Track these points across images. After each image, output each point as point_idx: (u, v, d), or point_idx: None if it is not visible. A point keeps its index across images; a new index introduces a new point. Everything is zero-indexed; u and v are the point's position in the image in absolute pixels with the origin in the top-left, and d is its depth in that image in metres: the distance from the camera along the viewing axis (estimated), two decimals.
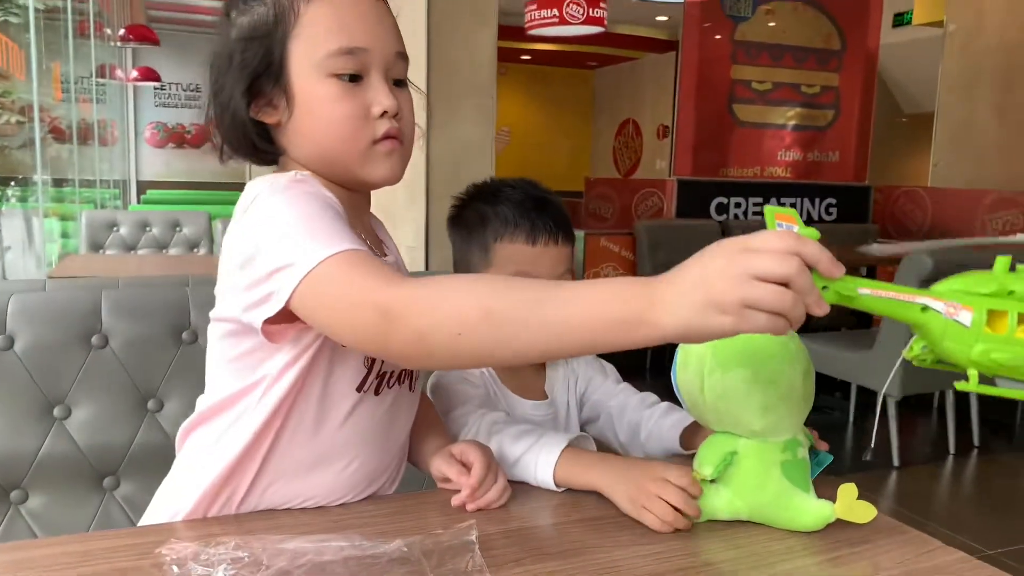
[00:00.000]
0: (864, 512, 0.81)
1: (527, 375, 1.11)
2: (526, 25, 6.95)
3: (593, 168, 11.58)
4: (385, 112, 0.80)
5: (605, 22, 6.90)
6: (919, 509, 2.78)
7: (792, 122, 5.61)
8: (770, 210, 0.60)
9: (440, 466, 0.88)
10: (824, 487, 0.83)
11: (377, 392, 0.85)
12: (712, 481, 0.82)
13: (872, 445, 3.53)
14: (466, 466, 0.85)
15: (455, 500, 0.83)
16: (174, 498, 0.86)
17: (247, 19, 0.81)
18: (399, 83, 0.84)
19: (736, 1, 5.26)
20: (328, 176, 0.83)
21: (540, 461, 0.88)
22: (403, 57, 0.83)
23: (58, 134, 5.97)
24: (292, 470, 0.82)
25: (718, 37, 5.35)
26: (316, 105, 0.79)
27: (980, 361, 0.56)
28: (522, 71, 11.05)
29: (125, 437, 1.12)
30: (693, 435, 0.97)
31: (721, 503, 0.81)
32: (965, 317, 0.56)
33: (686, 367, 0.82)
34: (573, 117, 11.92)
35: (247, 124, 0.81)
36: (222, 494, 0.82)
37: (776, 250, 0.55)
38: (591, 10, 6.78)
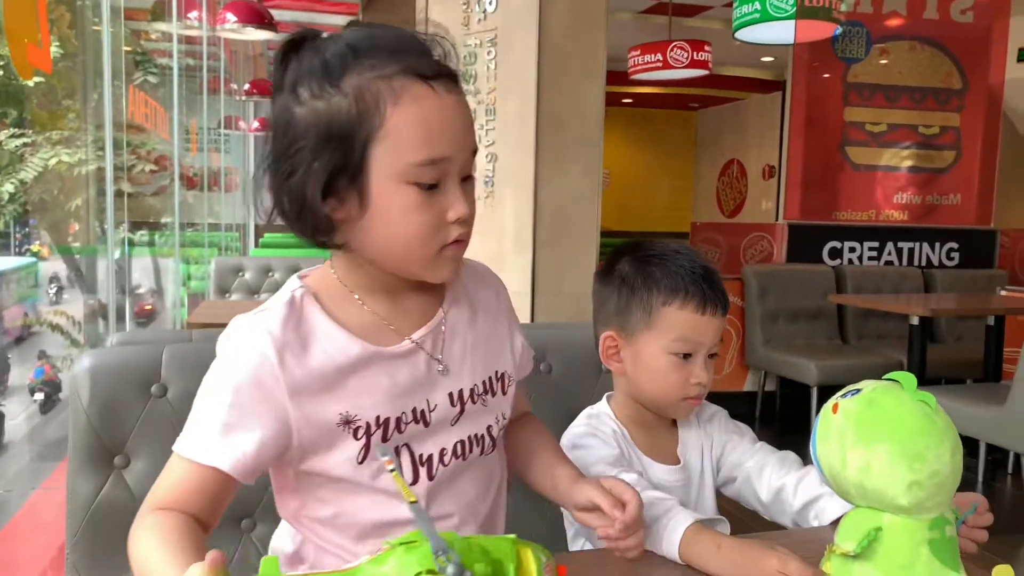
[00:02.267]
0: None
1: (661, 437, 1.11)
2: (629, 70, 7.00)
3: (696, 209, 11.41)
4: (459, 219, 0.79)
5: (710, 65, 6.87)
6: None
7: (908, 164, 5.40)
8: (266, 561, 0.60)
9: (591, 494, 0.84)
10: (974, 566, 0.79)
11: (431, 477, 0.84)
12: (855, 557, 0.79)
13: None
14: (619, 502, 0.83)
15: (602, 531, 0.82)
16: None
17: (324, 108, 0.75)
18: (468, 179, 0.81)
19: (849, 42, 5.14)
20: (390, 270, 0.82)
21: (666, 537, 0.87)
22: (474, 153, 0.82)
23: (189, 182, 6.39)
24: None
25: (828, 77, 5.24)
26: (392, 211, 0.77)
27: None
28: (623, 114, 11.09)
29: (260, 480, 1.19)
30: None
31: None
32: None
33: (826, 440, 0.80)
34: (675, 158, 11.85)
35: (318, 216, 0.78)
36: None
37: None
38: (695, 54, 6.77)
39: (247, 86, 7.24)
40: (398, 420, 0.82)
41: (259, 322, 0.79)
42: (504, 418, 0.92)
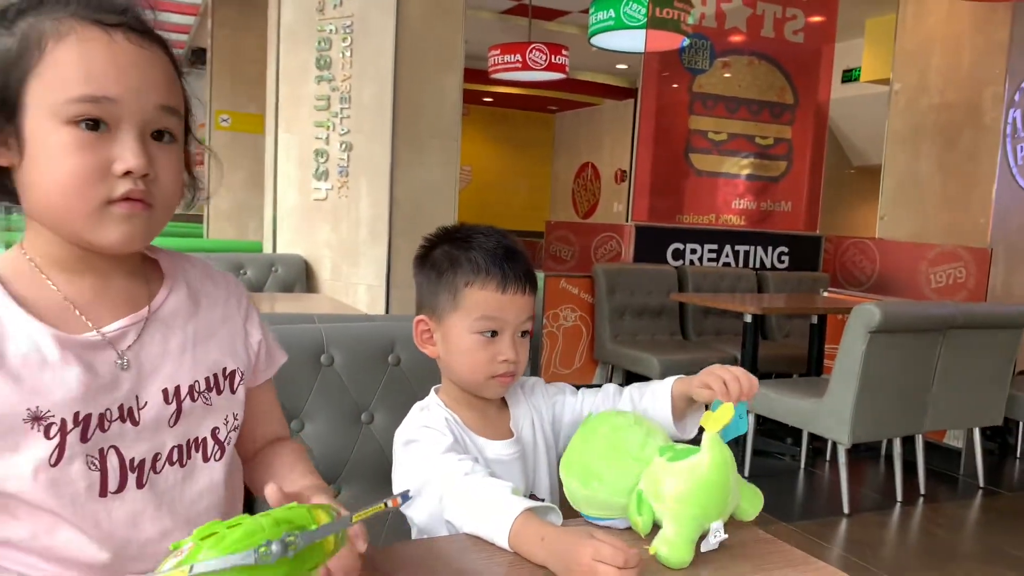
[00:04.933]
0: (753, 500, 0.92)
1: (492, 415, 1.12)
2: (489, 69, 7.08)
3: (552, 209, 11.72)
4: (130, 172, 0.71)
5: (567, 69, 7.07)
6: (867, 556, 2.83)
7: (746, 172, 5.76)
8: (175, 546, 0.61)
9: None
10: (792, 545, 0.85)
11: (140, 485, 0.78)
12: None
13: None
14: None
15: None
16: None
17: None
18: (163, 138, 0.75)
19: (694, 54, 5.42)
20: (59, 232, 0.75)
21: (497, 527, 0.88)
22: (171, 112, 0.75)
23: None
24: None
25: (676, 87, 5.50)
26: (46, 153, 0.71)
27: None
28: (484, 113, 11.19)
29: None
30: (680, 400, 1.08)
31: None
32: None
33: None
34: (533, 159, 12.10)
35: None
36: None
37: None
38: (553, 57, 6.95)
39: None
40: (101, 416, 0.74)
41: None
42: (236, 420, 0.86)
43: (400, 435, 1.07)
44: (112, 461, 0.75)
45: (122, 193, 0.72)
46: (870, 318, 3.04)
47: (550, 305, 4.77)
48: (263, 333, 0.93)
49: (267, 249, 4.01)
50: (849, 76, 7.66)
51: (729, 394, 0.98)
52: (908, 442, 3.52)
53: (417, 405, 1.12)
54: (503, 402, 1.15)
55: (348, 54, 3.63)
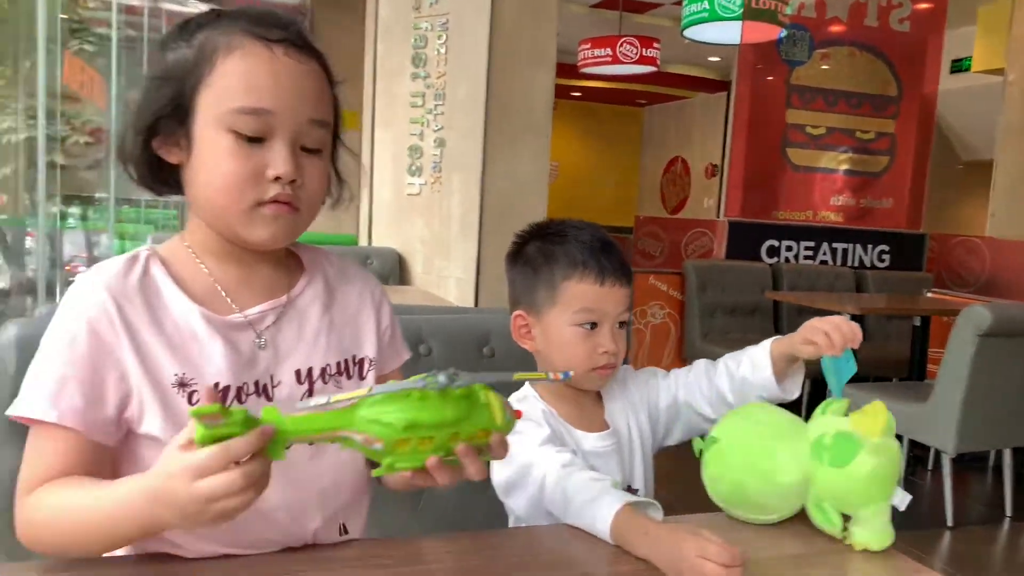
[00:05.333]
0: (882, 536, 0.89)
1: (587, 408, 1.13)
2: (579, 63, 7.04)
3: (640, 204, 11.58)
4: (280, 178, 0.79)
5: (658, 62, 6.96)
6: (971, 573, 2.70)
7: (845, 167, 5.57)
8: (194, 412, 0.65)
9: None
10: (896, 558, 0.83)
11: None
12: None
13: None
14: None
15: None
16: None
17: (171, 57, 0.81)
18: (313, 151, 0.82)
19: (792, 45, 5.27)
20: (214, 226, 0.83)
21: (598, 518, 0.89)
22: (320, 125, 0.82)
23: None
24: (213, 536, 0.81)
25: (772, 79, 5.36)
26: (209, 155, 0.79)
27: (388, 469, 0.71)
28: (572, 107, 11.16)
29: None
30: (781, 361, 1.07)
31: None
32: (378, 446, 0.69)
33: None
34: (621, 153, 11.99)
35: (140, 158, 0.82)
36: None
37: (221, 469, 0.65)
38: (644, 50, 6.85)
39: None
40: (239, 390, 0.81)
41: (97, 275, 0.81)
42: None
43: None
44: None
45: (272, 196, 0.79)
46: (981, 320, 2.89)
47: (638, 302, 4.73)
48: (392, 326, 0.97)
49: (362, 242, 4.12)
50: (959, 66, 7.26)
51: (833, 345, 0.99)
52: (1019, 453, 3.33)
53: (514, 397, 1.13)
54: (597, 395, 1.15)
55: (443, 51, 3.69)
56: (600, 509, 0.89)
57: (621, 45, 6.78)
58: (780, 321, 4.84)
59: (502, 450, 0.74)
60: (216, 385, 0.80)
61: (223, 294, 0.85)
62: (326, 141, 0.84)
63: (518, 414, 0.76)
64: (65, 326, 0.78)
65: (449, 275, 3.82)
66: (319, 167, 0.83)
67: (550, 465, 0.98)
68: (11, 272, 5.75)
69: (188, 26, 0.82)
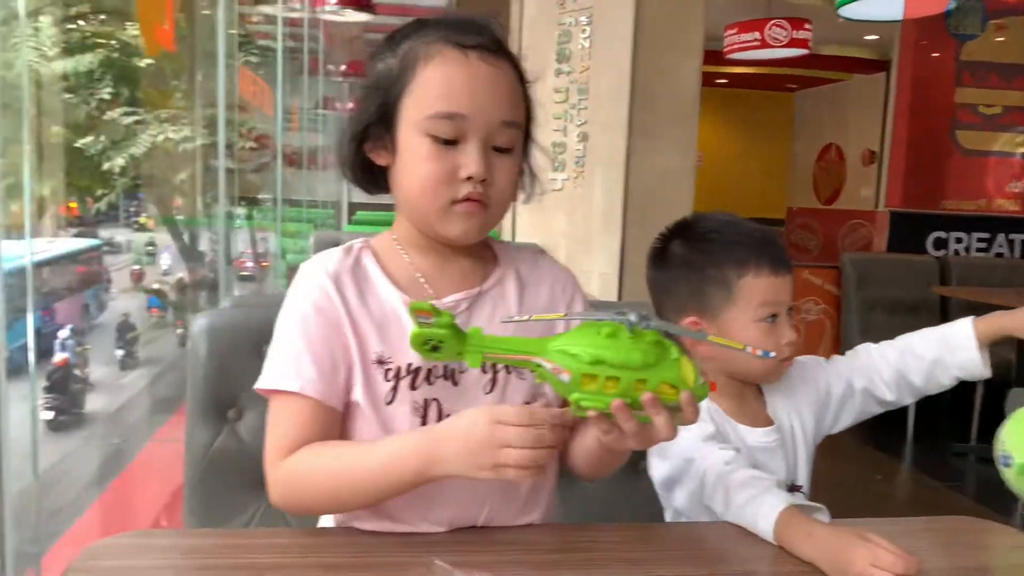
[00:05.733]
0: None
1: (749, 403, 1.11)
2: (725, 49, 6.83)
3: (790, 195, 11.08)
4: (471, 177, 0.85)
5: (810, 44, 6.63)
6: None
7: None
8: (413, 306, 0.74)
9: None
10: None
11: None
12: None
13: None
14: None
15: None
16: None
17: (381, 67, 0.89)
18: (504, 151, 0.87)
19: (962, 18, 4.88)
20: (415, 222, 0.91)
21: (760, 517, 0.88)
22: (511, 125, 0.87)
23: (289, 160, 6.62)
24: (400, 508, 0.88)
25: (938, 56, 4.99)
26: (410, 158, 0.86)
27: (576, 404, 0.73)
28: (716, 95, 10.81)
29: None
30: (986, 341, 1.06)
31: None
32: (565, 377, 0.72)
33: None
34: (770, 141, 11.51)
35: (354, 161, 0.91)
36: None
37: (520, 424, 0.74)
38: (795, 32, 6.54)
39: (344, 67, 7.40)
40: (429, 372, 0.88)
41: (318, 262, 0.91)
42: (544, 397, 0.93)
43: None
44: (432, 412, 0.88)
45: (464, 195, 0.86)
46: None
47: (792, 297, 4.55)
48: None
49: (505, 237, 4.20)
50: None
51: None
52: None
53: None
54: (758, 389, 1.13)
55: (587, 45, 3.69)
56: (762, 507, 0.88)
57: (770, 28, 6.51)
58: (948, 318, 4.47)
59: (693, 412, 0.74)
60: (409, 365, 0.87)
61: (422, 282, 0.92)
62: (517, 140, 0.89)
63: (713, 386, 0.76)
64: (297, 308, 0.89)
65: (591, 269, 3.82)
66: (509, 166, 0.88)
67: (712, 461, 0.97)
68: (188, 268, 6.27)
69: (395, 37, 0.89)
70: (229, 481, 1.17)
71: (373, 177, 0.93)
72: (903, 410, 1.05)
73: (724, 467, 0.95)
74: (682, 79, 3.62)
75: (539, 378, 0.75)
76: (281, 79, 5.05)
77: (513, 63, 0.89)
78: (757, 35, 6.57)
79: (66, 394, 4.81)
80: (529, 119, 0.92)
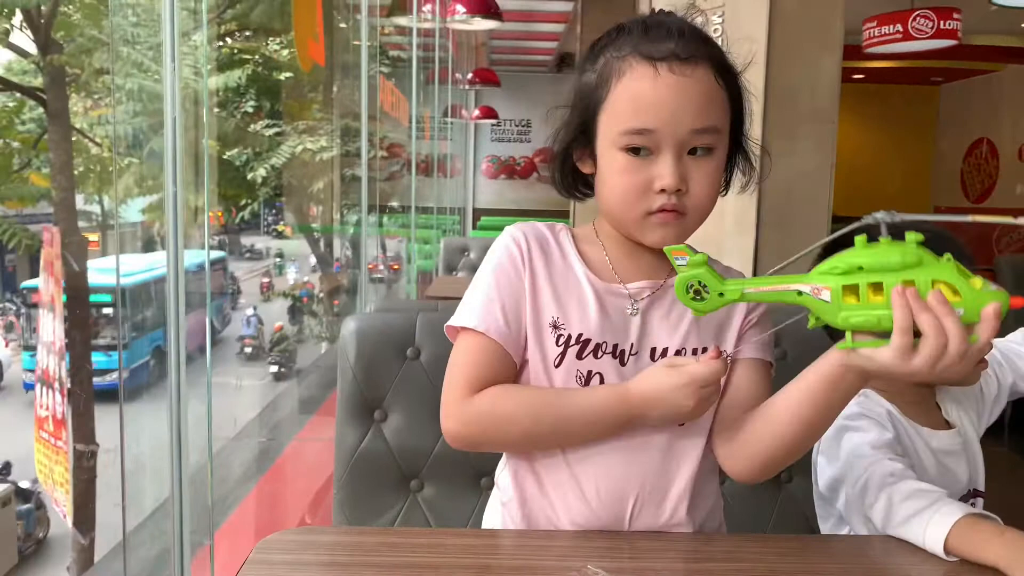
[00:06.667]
0: None
1: (927, 405, 1.09)
2: (864, 43, 6.50)
3: (934, 194, 10.43)
4: (664, 190, 0.86)
5: (959, 34, 6.22)
6: None
7: None
8: (668, 250, 0.78)
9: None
10: None
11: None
12: None
13: None
14: None
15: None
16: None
17: (584, 79, 0.91)
18: (703, 153, 0.88)
19: None
20: (616, 226, 0.94)
21: (931, 527, 0.83)
22: (705, 132, 0.87)
23: (419, 168, 6.82)
24: (552, 485, 0.93)
25: None
26: (607, 171, 0.90)
27: (844, 326, 0.70)
28: (854, 90, 10.29)
29: None
30: None
31: None
32: (826, 295, 0.69)
33: None
34: (911, 138, 10.87)
35: (568, 166, 0.96)
36: (515, 505, 0.95)
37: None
38: (942, 23, 6.16)
39: (470, 75, 7.55)
40: (598, 346, 0.91)
41: (520, 226, 0.97)
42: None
43: (836, 420, 1.00)
44: (594, 383, 0.91)
45: (659, 206, 0.87)
46: None
47: None
48: (760, 324, 0.96)
49: None
50: None
51: None
52: None
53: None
54: (932, 391, 1.11)
55: (720, 42, 3.60)
56: (935, 515, 0.84)
57: (914, 20, 6.16)
58: None
59: (991, 325, 0.68)
60: (580, 335, 0.91)
61: (611, 267, 0.95)
62: (717, 141, 0.89)
63: (1016, 302, 0.68)
64: (492, 260, 0.95)
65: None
66: (707, 169, 0.89)
67: (878, 470, 0.94)
68: (325, 274, 6.56)
69: (595, 49, 0.93)
70: (376, 480, 1.21)
71: (579, 184, 0.97)
72: None
73: (889, 477, 0.92)
74: (820, 74, 3.47)
75: (797, 302, 0.72)
76: (416, 88, 5.20)
77: (713, 61, 0.88)
78: (900, 27, 6.22)
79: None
80: (739, 110, 0.92)
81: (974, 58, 8.84)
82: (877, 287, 0.67)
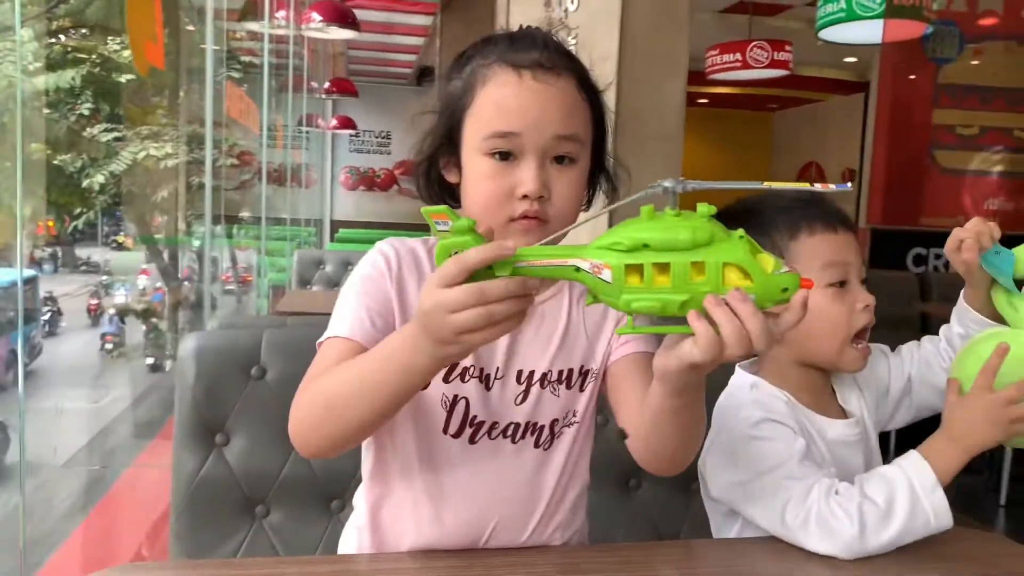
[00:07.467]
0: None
1: (825, 395, 1.04)
2: (707, 70, 6.89)
3: None
4: (527, 196, 0.85)
5: (790, 65, 6.71)
6: None
7: (1000, 168, 5.18)
8: (425, 211, 0.66)
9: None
10: None
11: (472, 441, 0.89)
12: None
13: None
14: None
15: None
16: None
17: (450, 88, 0.91)
18: (565, 163, 0.87)
19: (940, 42, 4.96)
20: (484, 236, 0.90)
21: (915, 480, 0.88)
22: (569, 139, 0.87)
23: (271, 178, 6.58)
24: (408, 509, 0.91)
25: (916, 79, 5.07)
26: (472, 178, 0.89)
27: (626, 310, 0.62)
28: (698, 114, 10.92)
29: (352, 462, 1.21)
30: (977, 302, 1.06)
31: None
32: (607, 275, 0.61)
33: None
34: (751, 159, 11.65)
35: (434, 173, 0.94)
36: (367, 530, 0.93)
37: (468, 307, 0.66)
38: (776, 54, 6.62)
39: (327, 84, 7.39)
40: (464, 370, 0.88)
41: (391, 242, 0.94)
42: (574, 418, 0.92)
43: (738, 429, 0.96)
44: (459, 408, 0.89)
45: (521, 212, 0.86)
46: None
47: None
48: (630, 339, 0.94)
49: None
50: None
51: (979, 240, 1.03)
52: None
53: (737, 386, 1.03)
54: (827, 379, 1.05)
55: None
56: (912, 488, 0.87)
57: (751, 50, 6.59)
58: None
59: (799, 311, 0.64)
60: None
61: None
62: (580, 152, 0.89)
63: (806, 283, 0.63)
64: (357, 273, 0.92)
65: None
66: (570, 178, 0.88)
67: (816, 490, 0.89)
68: (170, 287, 6.20)
69: (461, 58, 0.92)
70: (217, 507, 1.15)
71: (445, 194, 0.95)
72: None
73: (832, 497, 0.87)
74: (667, 98, 3.65)
75: (577, 278, 0.63)
76: (267, 95, 5.02)
77: (576, 75, 0.89)
78: (739, 56, 6.63)
79: None
80: (598, 126, 0.92)
81: (804, 88, 9.60)
82: (663, 267, 0.60)
